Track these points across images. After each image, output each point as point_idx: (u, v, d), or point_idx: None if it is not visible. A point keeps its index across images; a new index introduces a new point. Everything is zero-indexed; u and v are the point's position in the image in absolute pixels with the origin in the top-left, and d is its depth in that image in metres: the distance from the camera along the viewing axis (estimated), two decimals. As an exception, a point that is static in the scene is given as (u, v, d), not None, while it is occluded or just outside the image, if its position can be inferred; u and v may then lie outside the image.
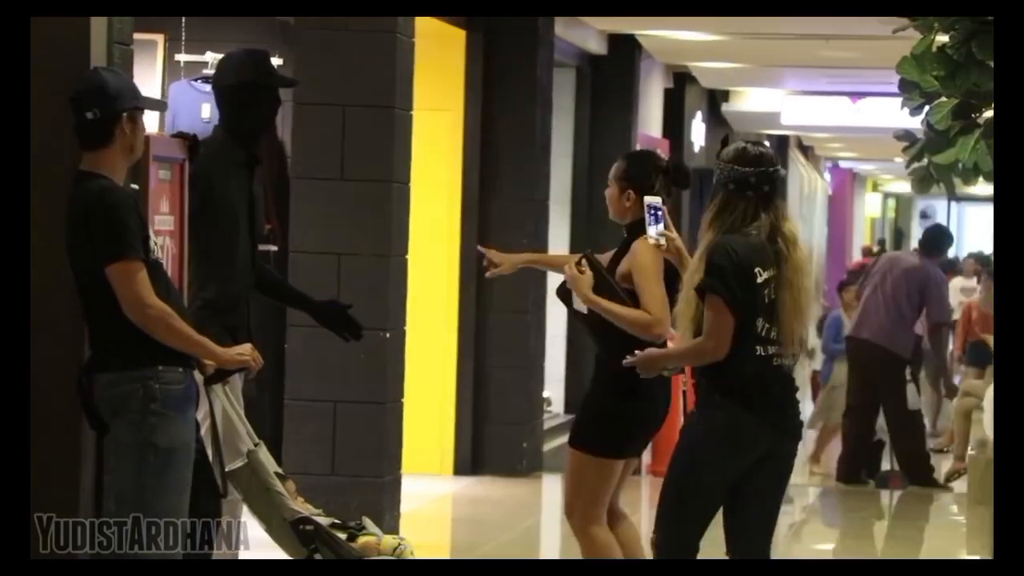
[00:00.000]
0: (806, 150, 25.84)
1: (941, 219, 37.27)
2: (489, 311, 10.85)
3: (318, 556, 5.61)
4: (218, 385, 5.49)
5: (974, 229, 35.07)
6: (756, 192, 5.13)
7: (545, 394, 11.87)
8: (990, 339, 12.76)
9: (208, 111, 8.97)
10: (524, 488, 10.60)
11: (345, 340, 6.09)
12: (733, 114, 18.39)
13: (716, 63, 15.17)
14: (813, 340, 17.40)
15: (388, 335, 8.26)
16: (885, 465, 11.55)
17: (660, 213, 5.63)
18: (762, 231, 5.11)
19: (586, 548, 5.96)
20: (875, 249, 25.86)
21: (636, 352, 5.26)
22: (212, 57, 9.09)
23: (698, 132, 16.70)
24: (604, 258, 5.98)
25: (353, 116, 8.28)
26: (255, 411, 6.44)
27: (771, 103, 18.04)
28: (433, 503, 10.00)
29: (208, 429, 5.39)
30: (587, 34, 12.66)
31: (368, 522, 5.85)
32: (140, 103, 5.05)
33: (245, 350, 5.20)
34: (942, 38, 6.97)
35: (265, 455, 5.70)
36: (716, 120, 18.04)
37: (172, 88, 9.31)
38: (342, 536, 5.68)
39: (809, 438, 12.01)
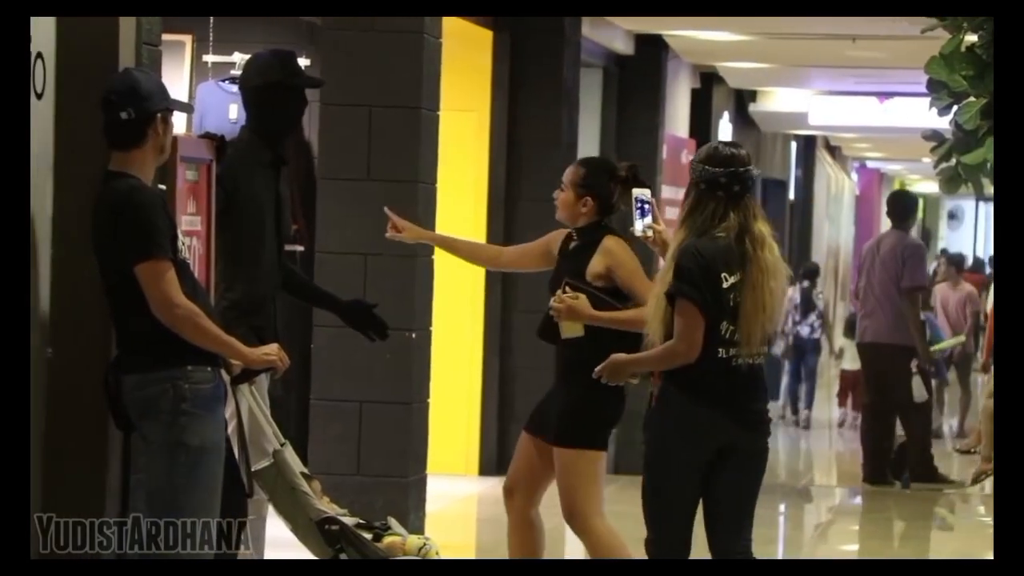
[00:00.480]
0: (833, 150, 25.79)
1: (969, 220, 37.19)
2: (514, 311, 10.85)
3: (343, 556, 5.62)
4: (244, 385, 5.51)
5: (1002, 230, 34.87)
6: (726, 192, 5.20)
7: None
8: None
9: (235, 112, 8.99)
10: (549, 489, 10.59)
11: (371, 340, 6.11)
12: (760, 114, 18.36)
13: (743, 63, 15.14)
14: (841, 340, 17.42)
15: (414, 335, 8.27)
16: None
17: (648, 206, 5.72)
18: (731, 232, 5.18)
19: (593, 544, 6.00)
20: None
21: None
22: (240, 58, 9.12)
23: (725, 132, 16.68)
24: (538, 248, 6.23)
25: (380, 116, 8.29)
26: (281, 411, 6.46)
27: (798, 103, 18.00)
28: (458, 503, 10.01)
29: (234, 429, 5.41)
30: (614, 34, 12.65)
31: (393, 522, 5.86)
32: (171, 104, 5.07)
33: (272, 350, 5.21)
34: (971, 38, 6.96)
35: (291, 455, 5.71)
36: (744, 120, 18.01)
37: (200, 89, 9.33)
38: (367, 536, 5.69)
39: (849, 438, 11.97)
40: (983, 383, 12.95)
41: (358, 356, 8.15)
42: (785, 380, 18.45)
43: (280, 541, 6.09)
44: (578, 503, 5.95)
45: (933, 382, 12.32)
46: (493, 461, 10.82)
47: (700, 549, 5.32)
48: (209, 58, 9.39)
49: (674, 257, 5.19)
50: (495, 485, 10.51)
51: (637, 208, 5.72)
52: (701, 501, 5.27)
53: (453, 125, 9.85)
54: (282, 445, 5.69)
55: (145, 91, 4.97)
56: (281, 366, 5.23)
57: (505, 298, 10.82)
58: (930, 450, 11.51)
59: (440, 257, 8.70)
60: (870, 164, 31.15)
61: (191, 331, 4.90)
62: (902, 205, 11.87)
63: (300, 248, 8.89)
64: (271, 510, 5.79)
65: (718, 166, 5.21)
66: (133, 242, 4.88)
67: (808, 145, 22.58)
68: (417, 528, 8.00)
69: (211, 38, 9.31)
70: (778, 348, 18.11)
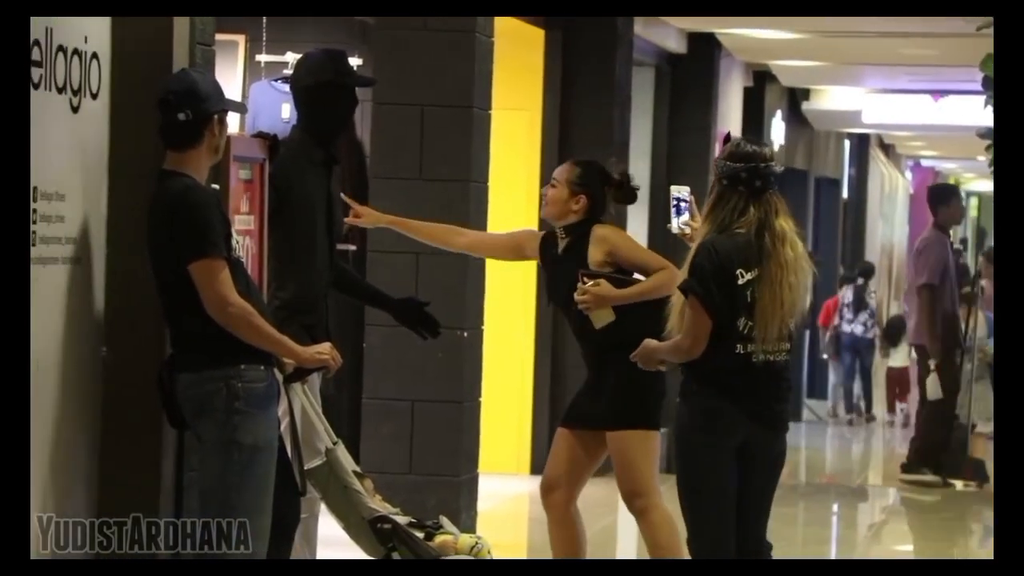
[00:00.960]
0: (887, 148, 25.64)
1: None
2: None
3: (395, 555, 5.63)
4: (297, 383, 5.53)
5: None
6: (748, 187, 5.25)
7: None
8: None
9: (288, 111, 9.02)
10: (600, 487, 10.56)
11: (423, 338, 6.13)
12: (814, 113, 18.28)
13: (796, 61, 15.08)
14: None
15: (466, 334, 8.28)
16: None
17: (684, 204, 5.79)
18: (750, 227, 5.22)
19: (649, 525, 6.04)
20: (956, 247, 25.61)
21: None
22: (292, 57, 9.15)
23: (778, 131, 16.62)
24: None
25: (432, 116, 8.30)
26: (333, 409, 6.48)
27: (852, 101, 17.91)
28: (510, 502, 10.01)
29: (287, 427, 5.42)
30: (666, 33, 12.62)
31: (445, 521, 5.86)
32: (226, 105, 5.09)
33: (324, 349, 5.23)
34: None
35: (343, 453, 5.72)
36: (796, 119, 17.94)
37: (252, 88, 9.37)
38: (419, 535, 5.69)
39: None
40: None
41: (410, 355, 8.16)
42: (832, 379, 18.38)
43: (332, 539, 6.11)
44: (639, 483, 6.01)
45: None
46: (544, 460, 10.80)
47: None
48: (262, 58, 9.43)
49: (692, 254, 5.27)
50: (547, 484, 10.53)
51: (673, 206, 5.79)
52: None
53: (505, 124, 9.85)
54: (334, 444, 5.70)
55: (203, 92, 5.00)
56: (334, 365, 5.24)
57: (557, 297, 10.81)
58: (938, 446, 11.37)
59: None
60: (924, 163, 30.97)
61: (245, 330, 4.92)
62: (932, 196, 11.68)
63: (352, 247, 8.92)
64: (323, 508, 5.81)
65: (739, 162, 5.26)
66: (187, 241, 4.90)
67: (862, 143, 22.46)
68: (469, 527, 8.01)
69: (264, 38, 9.35)
70: (828, 349, 18.05)
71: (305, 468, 5.46)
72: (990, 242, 33.51)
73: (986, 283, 16.32)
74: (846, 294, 18.12)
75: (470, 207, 8.28)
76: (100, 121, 5.27)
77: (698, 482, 5.24)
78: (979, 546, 9.65)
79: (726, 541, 5.26)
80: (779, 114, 16.74)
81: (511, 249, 6.47)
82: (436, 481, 8.22)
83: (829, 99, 18.18)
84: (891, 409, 17.27)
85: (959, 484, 11.36)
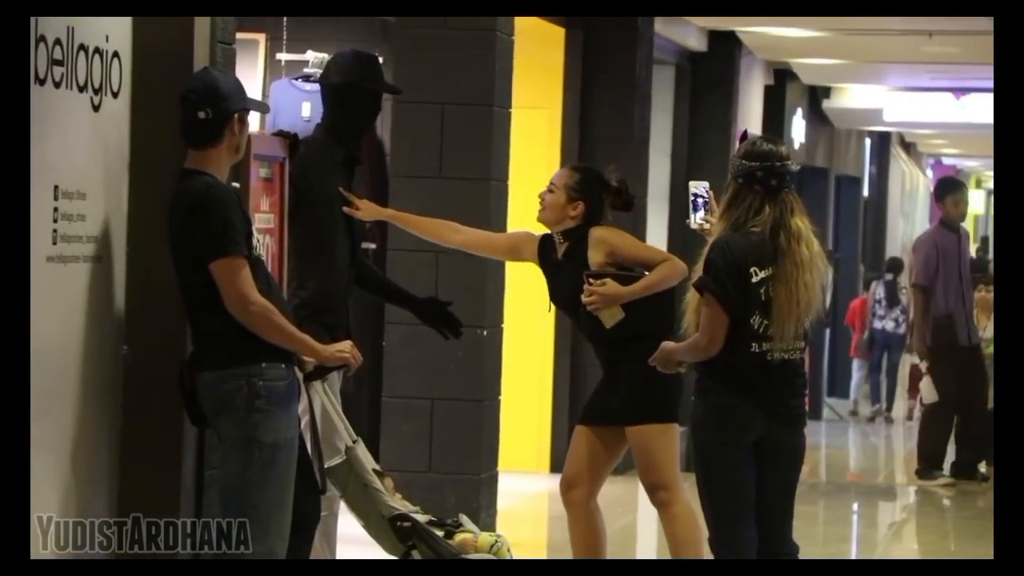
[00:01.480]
0: (908, 147, 25.58)
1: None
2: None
3: (416, 553, 5.63)
4: (317, 382, 5.53)
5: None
6: (763, 186, 5.26)
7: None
8: None
9: (308, 110, 9.03)
10: (620, 486, 10.57)
11: (445, 338, 6.13)
12: (835, 111, 18.25)
13: (817, 59, 15.05)
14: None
15: (485, 332, 8.28)
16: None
17: (702, 200, 5.83)
18: (765, 226, 5.23)
19: (672, 518, 6.08)
20: (976, 247, 25.57)
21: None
22: (313, 56, 9.16)
23: (799, 129, 16.59)
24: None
25: (452, 114, 8.30)
26: (353, 408, 6.49)
27: (873, 99, 17.87)
28: (529, 500, 10.01)
29: (307, 425, 5.43)
30: (687, 31, 12.61)
31: (465, 519, 5.87)
32: (248, 104, 5.09)
33: (345, 347, 5.23)
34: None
35: (363, 452, 5.73)
36: (817, 117, 17.90)
37: (273, 87, 9.38)
38: (439, 533, 5.70)
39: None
40: None
41: (430, 353, 8.17)
42: (856, 376, 18.33)
43: (352, 538, 6.11)
44: (661, 475, 6.04)
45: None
46: (564, 458, 10.80)
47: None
48: (283, 56, 9.44)
49: (706, 252, 5.29)
50: (567, 482, 10.53)
51: (692, 202, 5.81)
52: None
53: (525, 122, 9.85)
54: (354, 442, 5.71)
55: (224, 91, 5.00)
56: (354, 363, 5.25)
57: (577, 295, 10.80)
58: (930, 450, 11.32)
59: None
60: (946, 161, 30.88)
61: (266, 328, 4.92)
62: (936, 191, 11.54)
63: (373, 246, 8.92)
64: (343, 507, 5.81)
65: (755, 160, 5.27)
66: (208, 239, 4.90)
67: (882, 141, 22.41)
68: (488, 525, 8.01)
69: (284, 37, 9.36)
70: (863, 348, 17.99)
71: (325, 466, 5.47)
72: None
73: None
74: (877, 290, 18.07)
75: (490, 206, 8.28)
76: (121, 120, 5.28)
77: (716, 479, 5.24)
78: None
79: (747, 538, 5.25)
80: (800, 112, 16.71)
81: (508, 250, 6.49)
82: (456, 479, 8.23)
83: (850, 97, 18.14)
84: (920, 404, 17.24)
85: (982, 467, 11.29)
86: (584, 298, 5.99)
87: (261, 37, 9.62)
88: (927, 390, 11.22)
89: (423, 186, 8.31)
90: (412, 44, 8.34)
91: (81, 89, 5.00)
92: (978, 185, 37.41)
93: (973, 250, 17.52)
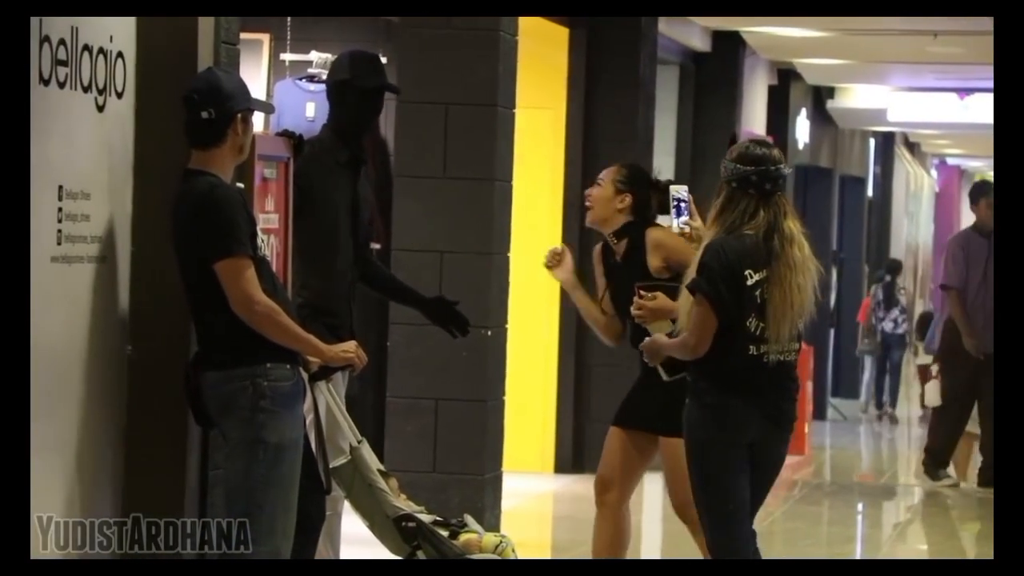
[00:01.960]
0: (912, 147, 25.57)
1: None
2: (591, 308, 10.82)
3: (420, 553, 5.63)
4: (322, 382, 5.53)
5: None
6: (757, 190, 5.28)
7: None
8: None
9: (312, 110, 9.03)
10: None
11: (453, 336, 6.13)
12: (838, 111, 18.24)
13: (821, 59, 15.05)
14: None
15: (490, 333, 8.28)
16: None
17: (684, 204, 5.85)
18: (759, 229, 5.26)
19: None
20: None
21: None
22: (317, 56, 9.16)
23: (803, 129, 16.59)
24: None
25: (456, 114, 8.30)
26: (357, 408, 6.48)
27: (877, 100, 17.87)
28: (534, 501, 10.01)
29: (312, 426, 5.43)
30: (691, 31, 12.61)
31: (470, 519, 5.86)
32: (252, 104, 5.09)
33: (350, 347, 5.23)
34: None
35: (368, 452, 5.73)
36: (821, 117, 17.90)
37: (277, 87, 9.39)
38: (444, 533, 5.69)
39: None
40: None
41: (434, 353, 8.17)
42: (866, 376, 18.34)
43: (355, 538, 6.11)
44: (682, 488, 5.98)
45: None
46: (569, 458, 10.81)
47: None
48: (287, 56, 9.44)
49: (700, 253, 5.30)
50: (571, 483, 10.52)
51: (674, 206, 5.83)
52: None
53: (529, 123, 9.85)
54: (359, 442, 5.71)
55: (227, 91, 5.00)
56: (359, 363, 5.25)
57: (581, 296, 10.80)
58: (930, 452, 11.33)
59: (516, 254, 8.71)
60: (950, 161, 30.86)
61: (270, 328, 4.92)
62: (971, 193, 11.54)
63: (377, 246, 8.92)
64: (347, 507, 5.81)
65: (750, 164, 5.29)
66: (213, 240, 4.90)
67: (887, 142, 22.40)
68: (493, 525, 8.01)
69: (288, 37, 9.36)
70: (863, 346, 18.02)
71: (330, 466, 5.47)
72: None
73: None
74: (877, 292, 18.10)
75: (494, 206, 8.28)
76: (125, 120, 5.28)
77: (715, 481, 5.25)
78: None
79: (743, 537, 5.27)
80: (804, 112, 16.71)
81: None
82: (460, 480, 8.22)
83: (854, 97, 18.14)
84: (922, 405, 17.24)
85: None
86: (633, 310, 5.96)
87: (265, 37, 9.62)
88: (932, 393, 11.21)
89: (427, 186, 8.31)
90: (416, 44, 8.34)
91: (85, 89, 5.01)
92: (982, 185, 37.31)
93: None
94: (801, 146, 16.51)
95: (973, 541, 9.91)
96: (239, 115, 5.02)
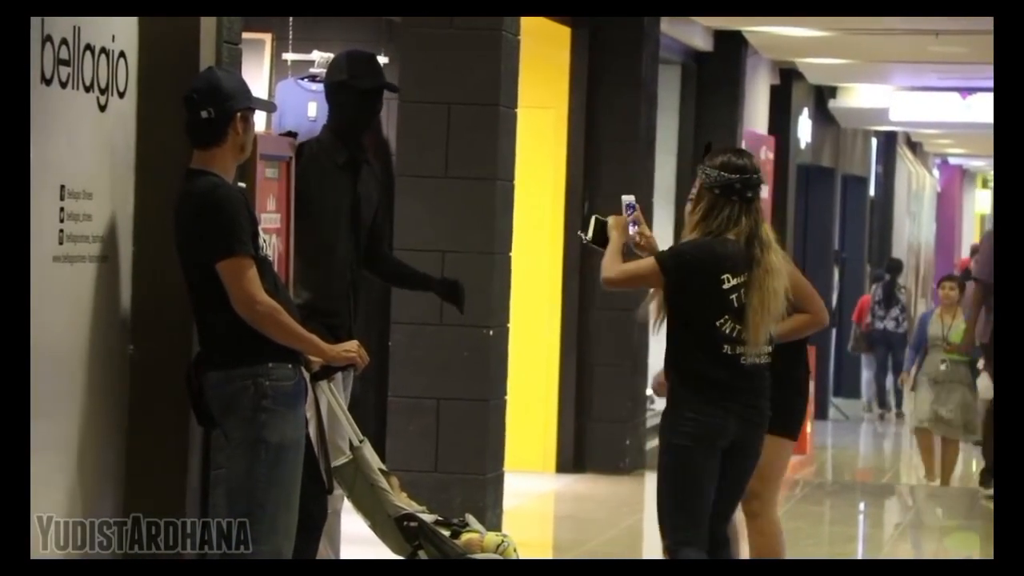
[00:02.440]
0: (914, 146, 25.57)
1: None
2: (592, 308, 10.84)
3: (422, 553, 5.63)
4: (324, 381, 5.53)
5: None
6: (740, 197, 5.39)
7: (648, 391, 11.86)
8: None
9: (314, 110, 9.04)
10: (627, 486, 10.59)
11: (461, 312, 6.16)
12: (841, 110, 18.24)
13: (824, 59, 15.05)
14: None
15: (491, 332, 8.28)
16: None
17: (632, 211, 5.83)
18: (741, 236, 5.37)
19: (759, 533, 6.11)
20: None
21: None
22: (319, 56, 9.16)
23: (804, 128, 16.59)
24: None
25: (458, 114, 8.30)
26: (359, 407, 6.49)
27: (879, 99, 17.87)
28: (536, 500, 10.01)
29: (314, 425, 5.43)
30: (693, 31, 12.61)
31: (471, 519, 5.86)
32: (252, 103, 5.09)
33: (352, 347, 5.23)
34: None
35: (370, 451, 5.73)
36: (823, 116, 17.90)
37: (279, 87, 9.39)
38: (446, 533, 5.70)
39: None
40: None
41: (436, 353, 8.17)
42: (866, 375, 18.33)
43: (356, 537, 6.11)
44: (762, 486, 6.03)
45: None
46: (570, 458, 10.81)
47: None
48: (288, 56, 9.44)
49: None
50: (572, 482, 10.53)
51: (628, 216, 5.78)
52: None
53: (531, 122, 9.85)
54: (361, 442, 5.71)
55: (227, 90, 5.00)
56: (361, 363, 5.25)
57: (582, 295, 10.81)
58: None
59: (518, 254, 8.71)
60: (952, 160, 30.85)
61: (272, 328, 4.93)
62: None
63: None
64: (347, 506, 5.81)
65: (734, 173, 5.39)
66: (215, 240, 4.90)
67: (889, 141, 22.40)
68: (495, 525, 8.01)
69: (290, 36, 9.37)
70: (859, 345, 18.02)
71: (332, 466, 5.47)
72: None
73: None
74: (876, 291, 18.10)
75: (496, 205, 8.29)
76: (127, 120, 5.28)
77: (688, 483, 5.33)
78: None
79: (702, 538, 5.34)
80: (806, 112, 16.71)
81: None
82: (462, 479, 8.23)
83: (856, 97, 18.14)
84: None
85: None
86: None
87: (267, 37, 9.63)
88: (984, 388, 11.24)
89: (429, 186, 8.31)
90: (418, 44, 8.34)
91: (87, 89, 5.01)
92: (984, 185, 37.38)
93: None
94: (803, 145, 16.52)
95: (973, 541, 9.92)
96: (239, 114, 5.02)
